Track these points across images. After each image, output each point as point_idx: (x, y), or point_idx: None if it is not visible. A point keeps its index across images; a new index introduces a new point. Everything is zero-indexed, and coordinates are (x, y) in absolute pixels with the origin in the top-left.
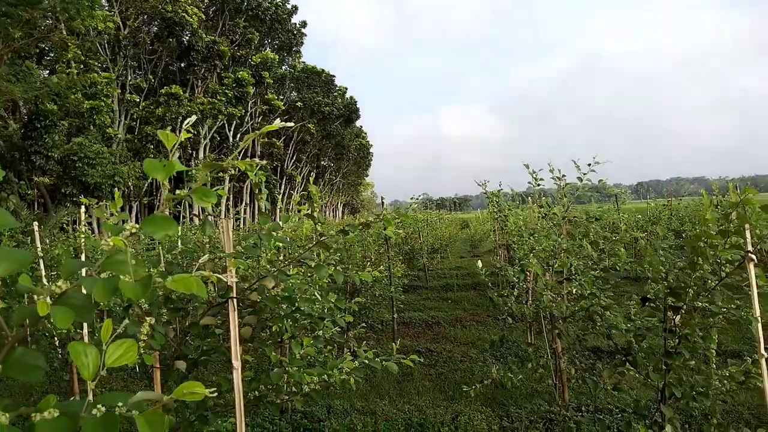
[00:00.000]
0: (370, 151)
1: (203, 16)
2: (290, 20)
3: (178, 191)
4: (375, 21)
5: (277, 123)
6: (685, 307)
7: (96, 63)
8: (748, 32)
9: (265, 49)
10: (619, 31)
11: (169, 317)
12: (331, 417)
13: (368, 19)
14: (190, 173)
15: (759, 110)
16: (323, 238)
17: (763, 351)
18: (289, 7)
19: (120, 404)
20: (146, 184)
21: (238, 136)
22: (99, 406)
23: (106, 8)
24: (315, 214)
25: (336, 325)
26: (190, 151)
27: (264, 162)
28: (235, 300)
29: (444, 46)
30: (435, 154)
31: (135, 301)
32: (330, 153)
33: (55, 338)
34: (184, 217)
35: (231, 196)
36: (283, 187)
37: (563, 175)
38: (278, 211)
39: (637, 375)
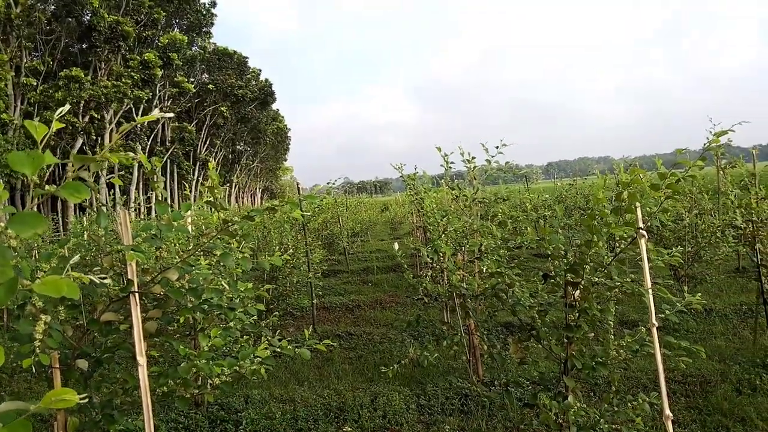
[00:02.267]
0: (288, 135)
1: None
2: (199, 0)
3: (47, 186)
4: (288, 3)
5: (156, 113)
6: (583, 282)
7: None
8: (652, 22)
9: (173, 30)
10: (529, 17)
11: (66, 315)
12: (249, 407)
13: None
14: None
15: (660, 95)
16: (228, 225)
17: (654, 320)
18: None
19: None
20: (47, 174)
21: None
22: None
23: None
24: (216, 200)
25: (249, 314)
26: (95, 137)
27: (137, 156)
28: (136, 294)
29: (360, 28)
30: (356, 138)
31: (1, 305)
32: (246, 137)
33: None
34: (90, 205)
35: (141, 184)
36: (196, 173)
37: (473, 158)
38: (191, 198)
39: (541, 348)
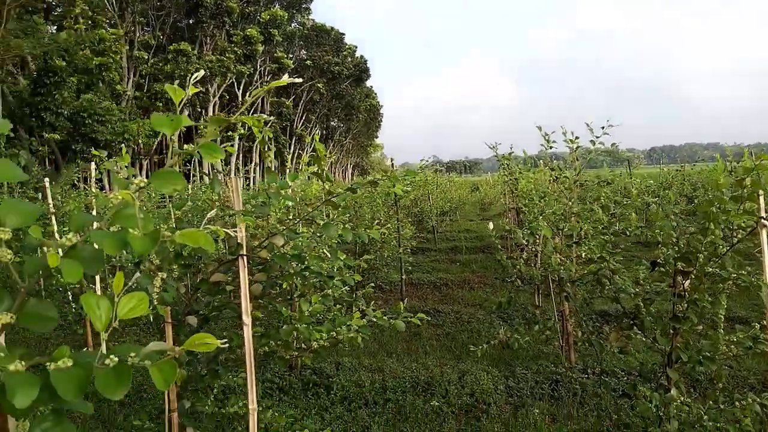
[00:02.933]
0: (380, 112)
1: None
2: None
3: (186, 146)
4: None
5: (286, 78)
6: (695, 272)
7: (104, 19)
8: None
9: (274, 6)
10: None
11: (180, 273)
12: (339, 373)
13: None
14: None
15: None
16: (331, 196)
17: None
18: None
19: (132, 355)
20: (156, 142)
21: (248, 94)
22: (112, 356)
23: None
24: (322, 171)
25: (345, 284)
26: (199, 110)
27: (272, 118)
28: (245, 257)
29: (452, 7)
30: (444, 117)
31: (144, 254)
32: (340, 113)
33: (69, 292)
34: (193, 175)
35: (241, 155)
36: (292, 147)
37: (576, 138)
38: (287, 171)
39: (643, 339)
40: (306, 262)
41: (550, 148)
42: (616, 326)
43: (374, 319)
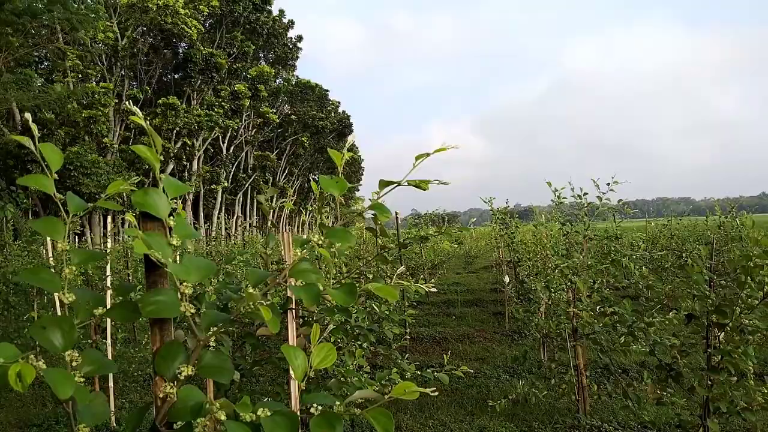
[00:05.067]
0: (362, 165)
1: (202, 29)
2: (286, 34)
3: (358, 205)
4: (357, 42)
5: (447, 144)
6: (731, 324)
7: (93, 72)
8: (720, 54)
9: (261, 63)
10: (594, 56)
11: (226, 327)
12: (355, 429)
13: (349, 39)
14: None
15: (735, 132)
16: (384, 250)
17: None
18: (285, 21)
19: (337, 403)
20: None
21: (231, 148)
22: (315, 404)
23: (106, 19)
24: (380, 226)
25: (381, 335)
26: (185, 162)
27: (446, 181)
28: (293, 311)
29: (424, 67)
30: (421, 172)
31: (346, 306)
32: (322, 167)
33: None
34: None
35: (223, 208)
36: (275, 201)
37: (585, 193)
38: (268, 224)
39: (675, 391)
40: (354, 315)
41: (561, 202)
42: (653, 378)
43: (419, 372)
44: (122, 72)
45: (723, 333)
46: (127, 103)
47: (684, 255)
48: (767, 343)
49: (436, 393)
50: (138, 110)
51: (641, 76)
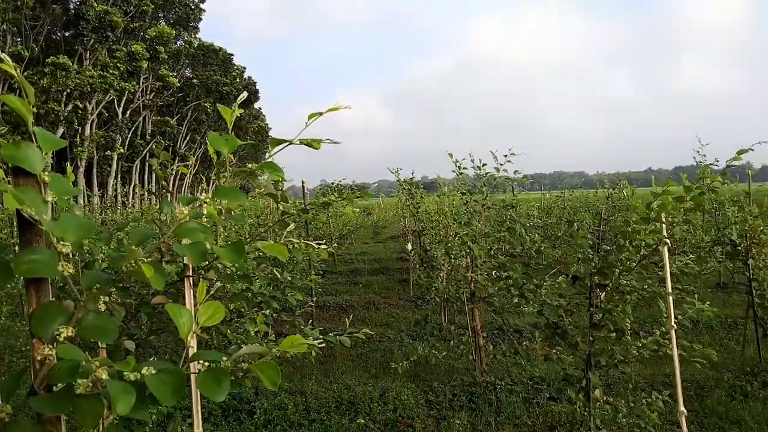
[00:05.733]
0: (269, 134)
1: None
2: None
3: (249, 164)
4: (267, 7)
5: (339, 104)
6: (610, 285)
7: None
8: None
9: (161, 23)
10: (501, 33)
11: (119, 296)
12: (260, 397)
13: (260, 5)
14: (75, 150)
15: (626, 113)
16: (285, 216)
17: (673, 323)
18: None
19: (224, 359)
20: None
21: (128, 112)
22: (202, 361)
23: None
24: (280, 192)
25: (285, 303)
26: (77, 127)
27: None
28: (191, 278)
29: (334, 38)
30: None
31: (233, 264)
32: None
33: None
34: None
35: (119, 176)
36: (174, 167)
37: (484, 164)
38: (171, 191)
39: (562, 348)
40: (254, 283)
41: (461, 173)
42: (542, 335)
43: (321, 337)
44: (4, 27)
45: (604, 293)
46: None
47: (576, 224)
48: (643, 302)
49: (323, 345)
50: (6, 57)
51: (540, 60)
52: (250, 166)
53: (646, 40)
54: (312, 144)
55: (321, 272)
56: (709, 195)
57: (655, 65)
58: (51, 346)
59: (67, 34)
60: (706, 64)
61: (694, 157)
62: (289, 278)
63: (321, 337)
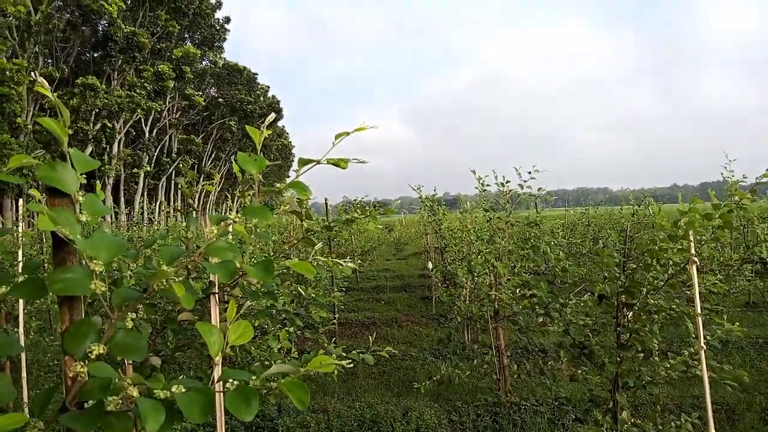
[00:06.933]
0: (292, 152)
1: (123, 5)
2: (213, 15)
3: (278, 184)
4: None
5: (364, 124)
6: (638, 304)
7: (3, 48)
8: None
9: (186, 44)
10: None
11: (146, 313)
12: (282, 415)
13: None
14: (103, 168)
15: (650, 128)
16: (310, 233)
17: (702, 343)
18: (212, 1)
19: (253, 378)
20: None
21: (155, 131)
22: (231, 380)
23: None
24: (304, 209)
25: (309, 320)
26: (105, 146)
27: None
28: (216, 295)
29: (354, 56)
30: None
31: (265, 281)
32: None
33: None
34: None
35: (145, 193)
36: (200, 185)
37: (507, 181)
38: (196, 208)
39: (588, 368)
40: (279, 300)
41: (484, 190)
42: (567, 355)
43: (344, 354)
44: (36, 48)
45: (631, 312)
46: (33, 74)
47: (600, 241)
48: (670, 322)
49: (352, 365)
50: (43, 80)
51: (561, 74)
52: (278, 185)
53: (671, 51)
54: (339, 164)
55: (343, 289)
56: (737, 212)
57: (679, 79)
58: (83, 363)
59: (96, 55)
60: (734, 77)
61: (722, 173)
62: (313, 295)
63: (345, 354)
